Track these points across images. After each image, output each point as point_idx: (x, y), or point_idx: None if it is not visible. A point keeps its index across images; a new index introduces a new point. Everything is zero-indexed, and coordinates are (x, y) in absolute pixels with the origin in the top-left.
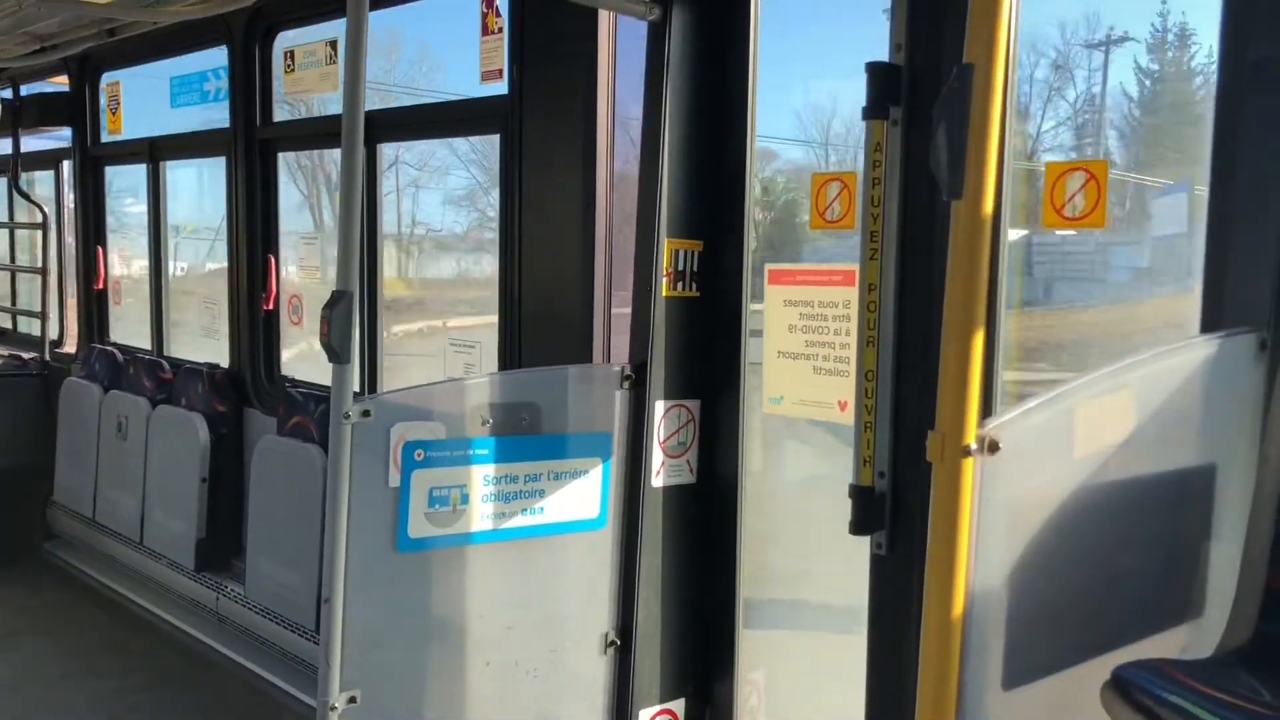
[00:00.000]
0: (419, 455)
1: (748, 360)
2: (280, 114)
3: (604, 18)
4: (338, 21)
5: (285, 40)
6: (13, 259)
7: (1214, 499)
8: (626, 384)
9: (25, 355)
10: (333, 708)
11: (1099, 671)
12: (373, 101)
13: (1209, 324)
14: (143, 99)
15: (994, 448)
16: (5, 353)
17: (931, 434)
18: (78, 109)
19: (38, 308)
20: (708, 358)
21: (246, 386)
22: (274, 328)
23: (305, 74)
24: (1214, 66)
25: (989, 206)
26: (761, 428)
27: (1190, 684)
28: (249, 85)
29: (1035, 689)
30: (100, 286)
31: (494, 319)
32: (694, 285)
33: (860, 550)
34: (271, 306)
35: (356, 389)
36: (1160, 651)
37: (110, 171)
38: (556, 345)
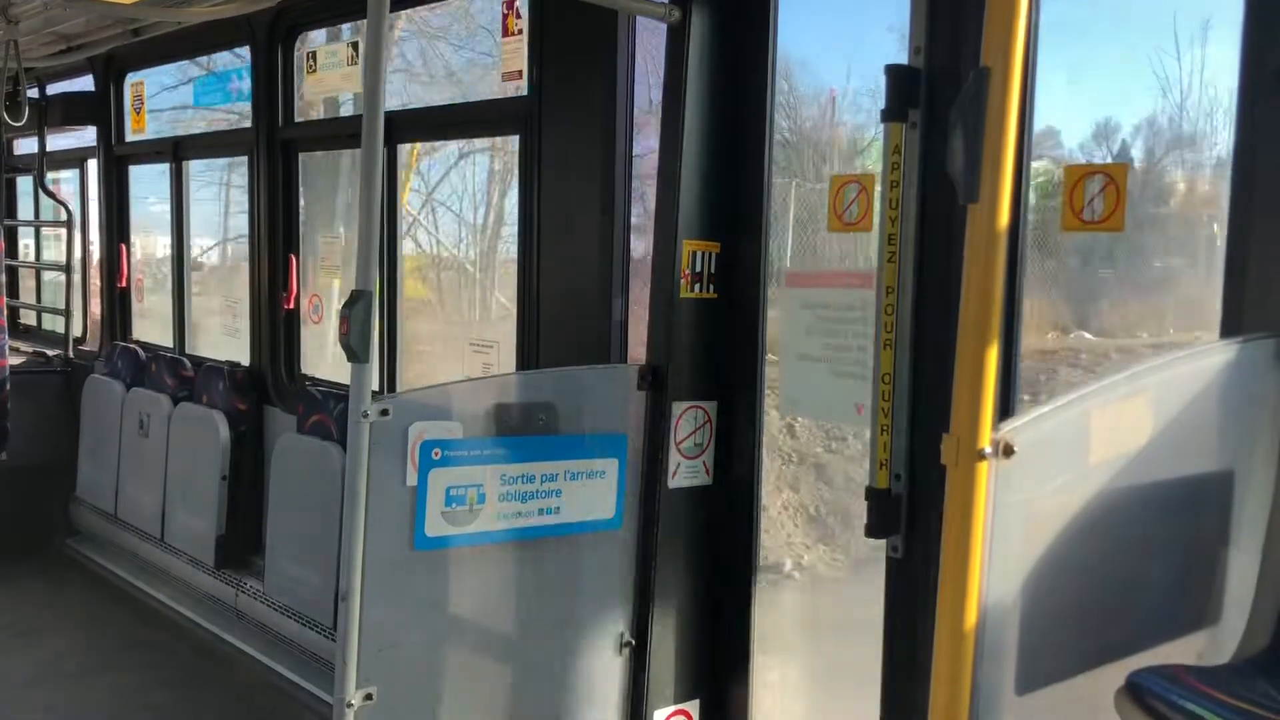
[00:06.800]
0: (436, 454)
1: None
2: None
3: (624, 20)
4: (359, 22)
5: (307, 41)
6: (38, 257)
7: (1232, 505)
8: (644, 385)
9: (49, 352)
10: (349, 705)
11: (1114, 677)
12: None
13: (1229, 329)
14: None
15: (1009, 451)
16: (29, 350)
17: (946, 437)
18: (102, 108)
19: (62, 305)
20: (725, 359)
21: (267, 384)
22: (294, 326)
23: (327, 75)
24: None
25: (1005, 211)
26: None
27: (1206, 690)
28: (271, 85)
29: (1049, 694)
30: (123, 284)
31: None
32: (711, 287)
33: None
34: (292, 305)
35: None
36: (1176, 658)
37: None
38: (574, 346)
